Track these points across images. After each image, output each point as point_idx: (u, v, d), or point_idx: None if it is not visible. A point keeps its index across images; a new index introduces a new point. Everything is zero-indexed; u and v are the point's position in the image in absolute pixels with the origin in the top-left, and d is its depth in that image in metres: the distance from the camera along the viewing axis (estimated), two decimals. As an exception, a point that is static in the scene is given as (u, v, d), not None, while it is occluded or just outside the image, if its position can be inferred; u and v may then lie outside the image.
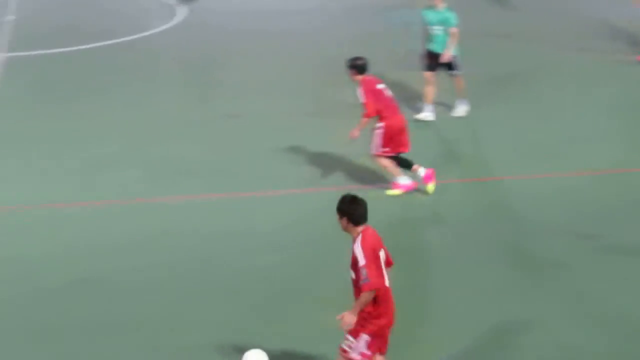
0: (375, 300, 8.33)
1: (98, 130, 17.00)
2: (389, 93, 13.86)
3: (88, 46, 22.60)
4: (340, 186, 13.53)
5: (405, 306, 9.24)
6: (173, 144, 16.21)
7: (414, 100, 17.29)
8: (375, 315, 8.39)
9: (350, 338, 8.44)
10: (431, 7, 16.59)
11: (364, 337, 8.41)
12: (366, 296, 8.20)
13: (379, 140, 13.70)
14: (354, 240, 8.40)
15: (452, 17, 16.44)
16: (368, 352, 8.46)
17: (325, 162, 14.98)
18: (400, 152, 13.80)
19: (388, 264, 8.60)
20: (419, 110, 16.90)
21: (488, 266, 11.93)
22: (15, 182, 14.84)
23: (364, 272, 8.18)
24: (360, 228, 8.36)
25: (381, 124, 13.62)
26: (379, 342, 8.53)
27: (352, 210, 8.34)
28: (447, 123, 16.80)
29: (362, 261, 8.20)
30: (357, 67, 13.68)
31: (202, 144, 16.23)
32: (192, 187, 14.42)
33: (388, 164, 13.84)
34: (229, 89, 19.26)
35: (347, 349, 8.49)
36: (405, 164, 13.86)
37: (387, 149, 13.72)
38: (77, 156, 15.86)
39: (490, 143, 16.13)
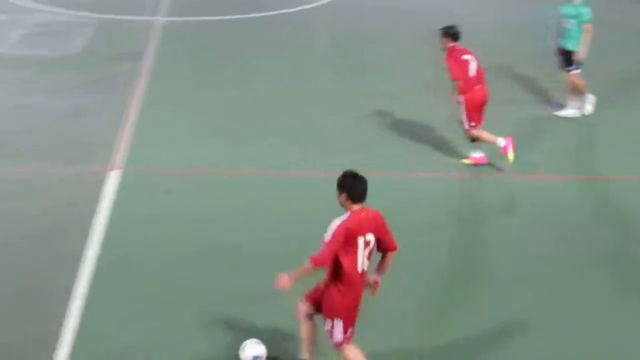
0: (342, 283, 8.33)
1: (250, 99, 17.14)
2: (474, 65, 14.06)
3: (243, 16, 22.84)
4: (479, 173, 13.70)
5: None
6: (324, 118, 16.22)
7: (551, 95, 17.20)
8: (343, 299, 8.40)
9: (329, 323, 8.52)
10: (568, 0, 16.26)
11: (339, 323, 8.47)
12: (306, 266, 8.21)
13: (464, 116, 14.14)
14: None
15: (586, 12, 16.02)
16: (349, 333, 8.55)
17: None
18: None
19: (382, 244, 8.51)
20: (558, 106, 16.79)
21: (587, 268, 11.52)
22: (174, 146, 15.02)
23: (321, 247, 8.20)
24: (354, 207, 8.31)
25: (462, 98, 14.02)
26: (349, 321, 8.52)
27: (352, 187, 8.30)
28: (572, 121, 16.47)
29: (326, 237, 8.19)
30: (451, 34, 14.03)
31: (350, 119, 16.23)
32: (343, 163, 14.25)
33: (483, 134, 14.20)
34: (375, 67, 19.22)
35: (331, 336, 8.56)
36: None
37: (473, 123, 14.14)
38: (229, 124, 16.01)
39: (606, 144, 15.82)
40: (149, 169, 14.03)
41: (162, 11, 23.34)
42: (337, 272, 8.34)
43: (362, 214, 8.32)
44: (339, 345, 8.59)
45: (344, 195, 8.32)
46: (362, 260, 8.36)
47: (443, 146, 15.07)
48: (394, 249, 8.59)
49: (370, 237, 8.38)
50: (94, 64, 18.99)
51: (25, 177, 13.56)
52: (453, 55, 13.97)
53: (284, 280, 8.27)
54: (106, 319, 9.96)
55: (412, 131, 15.69)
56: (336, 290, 8.39)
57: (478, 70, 14.09)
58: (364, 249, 8.35)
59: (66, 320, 9.85)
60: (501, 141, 14.11)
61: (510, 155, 14.10)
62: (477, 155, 14.46)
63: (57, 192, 13.13)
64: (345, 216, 8.30)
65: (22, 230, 11.96)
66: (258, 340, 9.07)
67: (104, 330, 9.76)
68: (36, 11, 23.00)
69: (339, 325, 8.47)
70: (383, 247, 8.56)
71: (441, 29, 14.11)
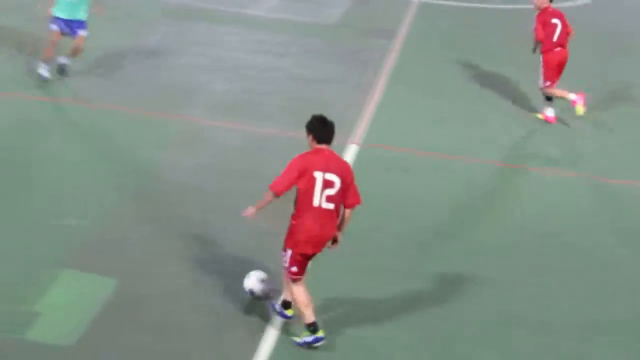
0: (296, 214, 8.79)
1: (499, 90, 16.73)
2: (560, 28, 15.04)
3: (503, 6, 22.38)
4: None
5: None
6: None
7: None
8: (297, 230, 8.79)
9: (283, 253, 8.91)
10: None
11: (289, 252, 8.86)
12: (266, 195, 8.76)
13: (541, 75, 15.19)
14: None
15: None
16: (294, 269, 8.85)
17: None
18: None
19: (345, 199, 8.83)
20: None
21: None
22: (414, 126, 14.99)
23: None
24: (318, 146, 8.83)
25: (541, 58, 15.16)
26: (300, 259, 8.83)
27: (318, 129, 8.87)
28: None
29: (285, 168, 8.77)
30: None
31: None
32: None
33: (557, 92, 15.25)
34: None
35: (284, 264, 8.91)
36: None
37: (548, 83, 15.17)
38: (473, 111, 15.79)
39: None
40: (388, 147, 13.94)
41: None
42: (297, 204, 8.81)
43: (326, 152, 8.85)
44: (288, 276, 8.94)
45: (310, 137, 8.90)
46: (319, 195, 8.72)
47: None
48: (358, 203, 8.97)
49: (333, 177, 8.76)
50: (346, 35, 19.11)
51: (264, 137, 13.78)
52: (543, 18, 15.07)
53: (250, 211, 8.83)
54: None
55: None
56: (292, 222, 8.85)
57: (562, 34, 15.06)
58: (323, 186, 8.72)
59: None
60: (572, 95, 15.09)
61: (579, 108, 15.03)
62: (550, 114, 15.43)
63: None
64: (305, 152, 8.86)
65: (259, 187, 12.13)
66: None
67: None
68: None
69: (288, 255, 8.85)
70: (348, 200, 8.91)
71: None
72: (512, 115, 15.82)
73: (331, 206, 8.77)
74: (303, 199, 8.75)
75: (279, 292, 9.27)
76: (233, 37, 18.40)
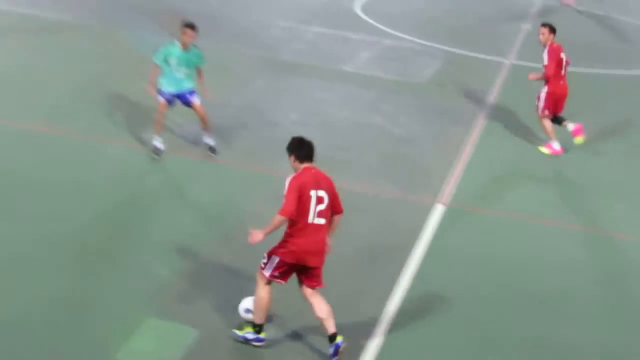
0: (293, 229, 9.33)
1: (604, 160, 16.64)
2: (565, 62, 16.12)
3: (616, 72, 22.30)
4: None
5: None
6: None
7: None
8: (289, 241, 9.36)
9: (266, 256, 9.46)
10: None
11: (275, 259, 9.40)
12: (276, 219, 9.29)
13: (543, 103, 16.12)
14: None
15: None
16: (276, 273, 9.43)
17: None
18: (556, 113, 16.17)
19: (333, 209, 9.49)
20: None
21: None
22: (503, 187, 14.95)
23: (283, 201, 9.27)
24: (302, 165, 9.48)
25: (545, 89, 16.08)
26: (286, 268, 9.45)
27: (298, 149, 9.54)
28: None
29: (284, 191, 9.28)
30: (554, 30, 16.09)
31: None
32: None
33: (549, 126, 16.20)
34: None
35: (262, 265, 9.48)
36: (556, 120, 16.22)
37: (547, 111, 16.09)
38: (562, 175, 15.66)
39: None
40: (474, 208, 13.93)
41: (513, 53, 23.22)
42: (291, 221, 9.34)
43: (313, 171, 9.48)
44: (261, 275, 9.48)
45: (292, 157, 9.55)
46: (314, 212, 9.33)
47: None
48: (341, 212, 9.61)
49: (323, 194, 9.40)
50: (437, 94, 19.20)
51: (355, 193, 13.90)
52: (553, 52, 15.97)
53: (256, 235, 9.32)
54: (406, 346, 9.99)
55: None
56: (286, 234, 9.40)
57: (565, 68, 16.14)
58: (316, 203, 9.33)
59: (370, 339, 10.00)
60: (571, 125, 16.03)
61: (578, 139, 16.00)
62: (555, 146, 16.20)
63: (382, 214, 13.35)
64: (295, 174, 9.42)
65: (346, 244, 12.22)
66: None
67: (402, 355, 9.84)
68: (388, 35, 23.64)
69: (274, 261, 9.38)
70: (333, 210, 9.53)
71: (546, 23, 16.21)
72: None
73: (322, 221, 9.43)
74: (298, 216, 9.29)
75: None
76: (325, 92, 18.65)
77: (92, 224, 12.01)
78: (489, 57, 22.53)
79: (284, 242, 9.41)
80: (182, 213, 12.72)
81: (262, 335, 9.55)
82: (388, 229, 12.92)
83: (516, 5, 29.22)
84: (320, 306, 9.51)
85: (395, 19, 25.34)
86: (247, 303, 9.86)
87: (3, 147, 14.22)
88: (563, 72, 16.13)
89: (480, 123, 17.61)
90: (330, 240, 9.60)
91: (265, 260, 9.49)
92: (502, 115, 18.18)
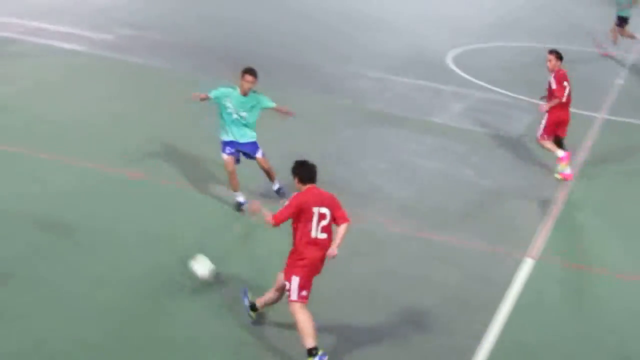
0: (300, 245, 10.05)
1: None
2: (568, 89, 16.51)
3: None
4: None
5: None
6: None
7: None
8: (298, 258, 10.05)
9: (287, 284, 10.08)
10: None
11: (295, 279, 10.00)
12: (267, 220, 10.10)
13: (543, 127, 16.80)
14: None
15: None
16: (303, 293, 10.02)
17: None
18: (557, 135, 16.84)
19: (336, 220, 10.18)
20: None
21: None
22: (593, 243, 14.82)
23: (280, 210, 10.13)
24: (305, 187, 10.24)
25: (547, 115, 16.68)
26: (306, 280, 10.05)
27: (300, 172, 10.27)
28: None
29: (285, 204, 10.14)
30: (562, 57, 16.57)
31: None
32: None
33: (550, 145, 16.84)
34: None
35: (289, 294, 10.05)
36: (557, 142, 16.77)
37: (546, 136, 16.79)
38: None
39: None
40: (564, 264, 13.75)
41: (605, 108, 22.95)
42: (296, 238, 10.07)
43: (316, 191, 10.22)
44: (293, 303, 9.99)
45: (296, 179, 10.28)
46: (317, 228, 10.04)
47: None
48: (347, 221, 10.22)
49: (325, 211, 10.09)
50: (528, 148, 19.05)
51: (442, 244, 13.86)
52: (561, 78, 16.44)
53: (256, 206, 10.32)
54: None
55: None
56: (294, 252, 10.11)
57: (570, 94, 16.55)
58: (319, 219, 10.04)
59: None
60: (560, 152, 16.67)
61: (563, 166, 16.69)
62: (566, 171, 16.84)
63: (471, 267, 13.26)
64: (300, 192, 10.17)
65: (434, 294, 12.20)
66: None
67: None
68: (480, 88, 23.60)
69: (295, 282, 9.97)
70: (338, 221, 10.19)
71: (553, 50, 16.68)
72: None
73: (325, 236, 10.11)
74: (302, 232, 10.02)
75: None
76: (414, 143, 18.69)
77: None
78: (580, 111, 22.29)
79: (295, 262, 10.09)
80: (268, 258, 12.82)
81: (320, 352, 9.79)
82: (477, 281, 12.82)
83: (608, 61, 28.90)
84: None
85: (487, 71, 25.30)
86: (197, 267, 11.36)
87: (102, 193, 14.59)
88: (567, 98, 16.56)
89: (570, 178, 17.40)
90: (336, 247, 10.12)
91: (288, 287, 10.08)
92: (595, 170, 17.94)
